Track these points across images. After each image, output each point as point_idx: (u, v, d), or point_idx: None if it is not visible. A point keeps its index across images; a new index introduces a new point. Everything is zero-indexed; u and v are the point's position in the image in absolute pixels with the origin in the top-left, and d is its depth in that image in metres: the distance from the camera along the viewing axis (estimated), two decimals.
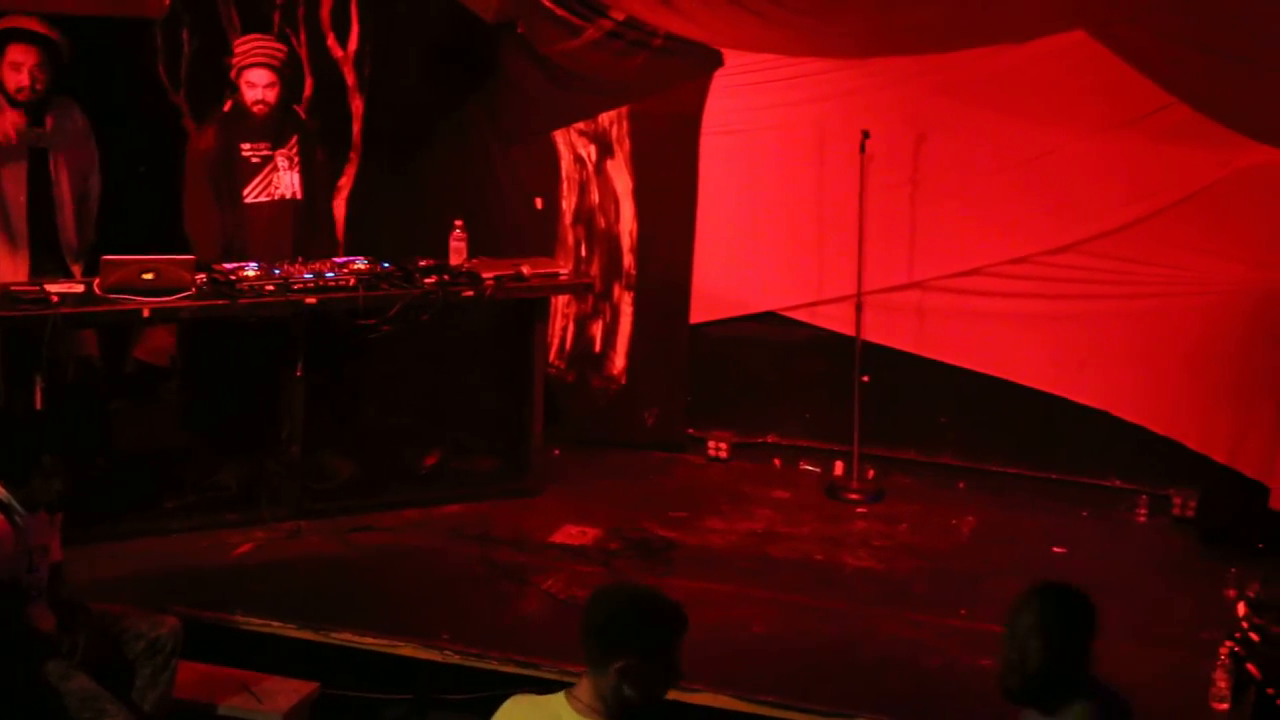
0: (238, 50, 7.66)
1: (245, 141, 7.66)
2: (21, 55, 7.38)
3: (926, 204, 8.19)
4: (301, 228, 7.83)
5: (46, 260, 7.47)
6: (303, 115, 7.98)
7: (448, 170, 8.82)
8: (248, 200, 7.69)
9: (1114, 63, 7.23)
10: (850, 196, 8.04)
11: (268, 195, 7.71)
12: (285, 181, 7.74)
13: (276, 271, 7.31)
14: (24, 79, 7.38)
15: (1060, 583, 4.31)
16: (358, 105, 8.71)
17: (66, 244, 7.61)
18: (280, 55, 7.68)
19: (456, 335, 7.81)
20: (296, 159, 7.75)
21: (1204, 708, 5.85)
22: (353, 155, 8.73)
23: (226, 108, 7.74)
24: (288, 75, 7.76)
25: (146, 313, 7.04)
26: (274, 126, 7.70)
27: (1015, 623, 4.23)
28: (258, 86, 7.58)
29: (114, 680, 5.45)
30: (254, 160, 7.67)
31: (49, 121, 7.55)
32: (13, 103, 7.41)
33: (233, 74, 7.65)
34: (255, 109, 7.61)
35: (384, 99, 8.76)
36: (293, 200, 7.78)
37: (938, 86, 8.04)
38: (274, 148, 7.70)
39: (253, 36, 7.73)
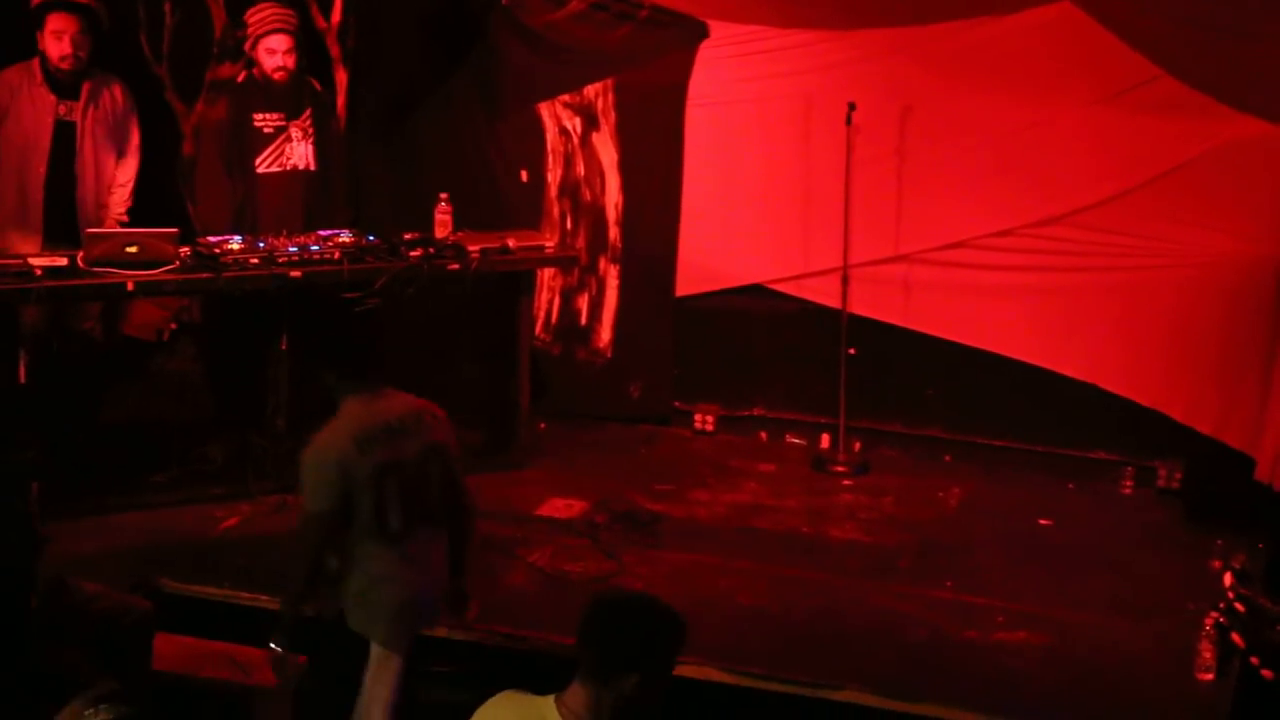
0: (252, 20, 7.64)
1: (258, 112, 7.66)
2: (62, 24, 7.46)
3: (912, 176, 8.18)
4: (314, 199, 7.83)
5: (62, 235, 7.44)
6: (318, 87, 7.95)
7: (433, 143, 8.79)
8: (259, 170, 7.69)
9: (1100, 35, 7.23)
10: (836, 169, 8.03)
11: (279, 166, 7.71)
12: (299, 152, 7.74)
13: (261, 245, 7.29)
14: (66, 47, 7.45)
15: None
16: (342, 78, 8.66)
17: (84, 219, 7.60)
18: (294, 19, 7.69)
19: (442, 308, 7.80)
20: (311, 130, 7.76)
21: (1189, 678, 5.87)
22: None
23: (240, 79, 7.74)
24: (303, 41, 7.75)
25: (131, 285, 7.02)
26: (290, 97, 7.70)
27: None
28: (278, 53, 7.58)
29: (90, 657, 5.44)
30: (266, 130, 7.68)
31: (84, 92, 7.57)
32: (54, 75, 7.48)
33: (247, 45, 7.65)
34: (276, 76, 7.60)
35: (368, 72, 8.72)
36: (305, 171, 7.79)
37: (923, 59, 8.02)
38: (289, 119, 7.70)
39: (264, 5, 7.68)
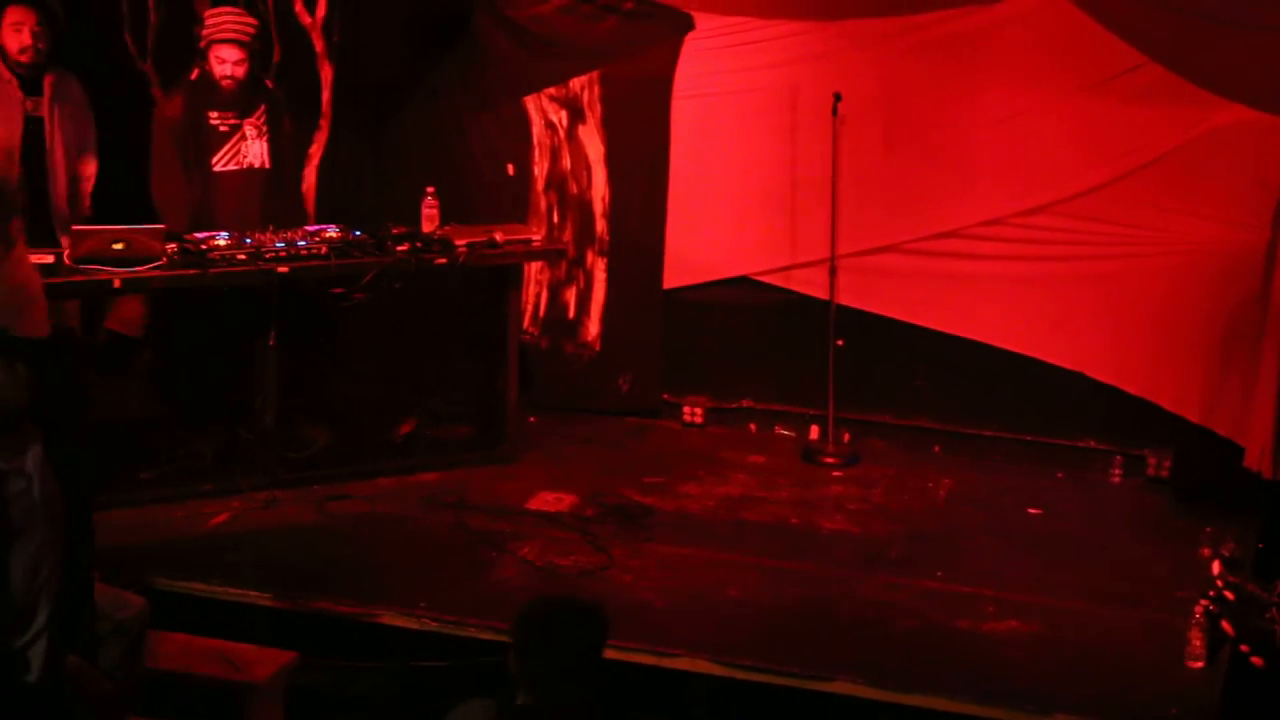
0: (208, 22, 7.61)
1: (213, 110, 7.62)
2: (20, 16, 7.48)
3: (899, 166, 8.18)
4: (269, 197, 7.80)
5: (35, 233, 7.41)
6: (270, 85, 7.94)
7: (419, 137, 8.79)
8: (216, 169, 7.66)
9: (1084, 23, 7.26)
10: (823, 159, 8.02)
11: (236, 164, 7.69)
12: (253, 151, 7.71)
13: (248, 241, 7.28)
14: (26, 38, 7.48)
15: None
16: (327, 72, 8.65)
17: (57, 215, 7.61)
18: (251, 30, 7.64)
19: (430, 303, 7.79)
20: (265, 128, 7.72)
21: (1180, 666, 5.88)
22: (323, 123, 8.67)
23: (194, 75, 7.70)
24: (258, 49, 7.73)
25: (117, 283, 7.01)
26: (242, 96, 7.66)
27: None
28: (227, 63, 7.55)
29: (81, 655, 5.42)
30: (222, 129, 7.65)
31: (46, 87, 7.59)
32: (16, 66, 7.49)
33: (201, 44, 7.62)
34: (224, 84, 7.58)
35: (354, 66, 8.70)
36: (261, 169, 7.76)
37: (909, 49, 8.03)
38: (241, 117, 7.67)
39: (223, 10, 7.66)
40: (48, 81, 7.60)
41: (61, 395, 5.24)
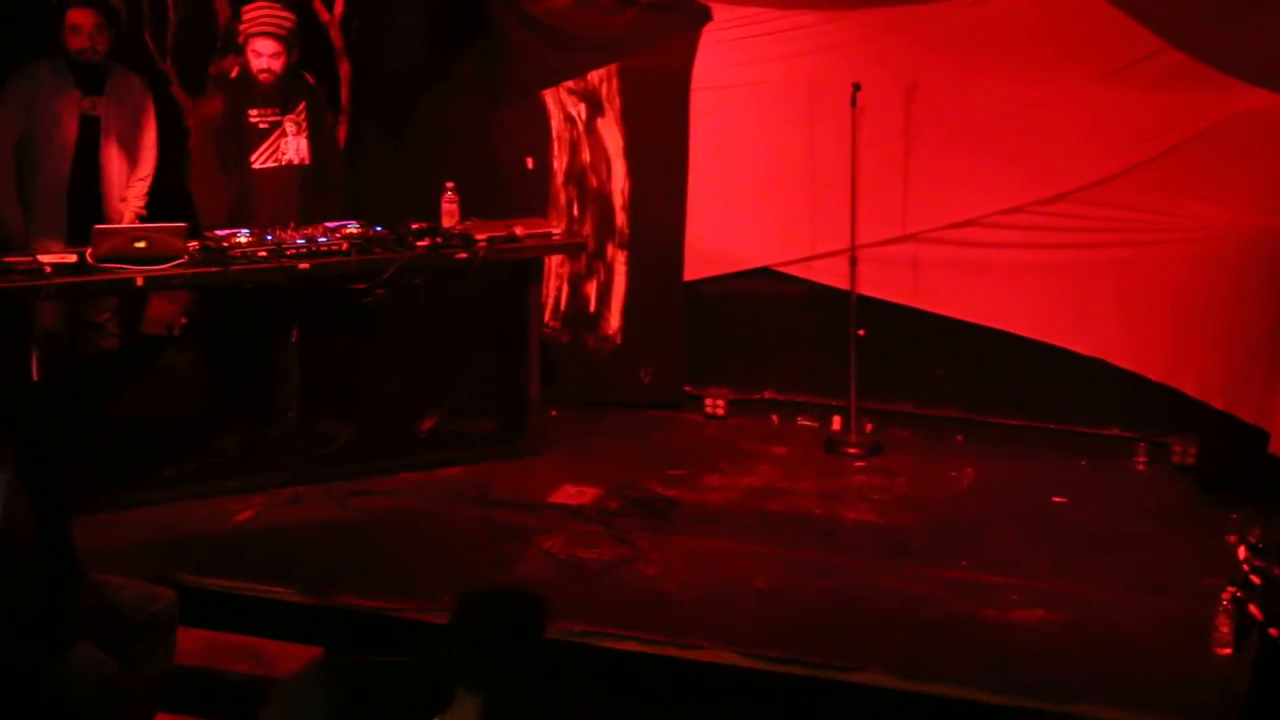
0: (245, 18, 7.67)
1: (253, 107, 7.67)
2: (80, 18, 7.60)
3: (919, 156, 8.16)
4: (308, 193, 7.83)
5: (87, 231, 7.46)
6: (311, 80, 7.96)
7: (438, 132, 8.79)
8: (255, 166, 7.70)
9: (1103, 9, 7.22)
10: (842, 150, 8.01)
11: (275, 161, 7.73)
12: (293, 147, 7.76)
13: (269, 238, 7.30)
14: (83, 41, 7.59)
15: None
16: (345, 68, 8.67)
17: (110, 215, 7.64)
18: (288, 24, 7.68)
19: (451, 297, 7.80)
20: (305, 124, 7.77)
21: (1207, 653, 5.85)
22: (341, 119, 8.69)
23: (234, 74, 7.75)
24: (295, 43, 7.75)
25: (140, 281, 7.03)
26: (282, 92, 7.71)
27: None
28: (263, 56, 7.59)
29: (111, 652, 5.43)
30: (262, 126, 7.69)
31: (107, 87, 7.70)
32: (77, 69, 7.61)
33: (240, 39, 7.67)
34: (261, 77, 7.62)
35: (372, 62, 8.72)
36: (300, 166, 7.80)
37: (927, 37, 8.01)
38: (282, 113, 7.71)
39: (261, 4, 7.69)
40: (108, 82, 7.70)
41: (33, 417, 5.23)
